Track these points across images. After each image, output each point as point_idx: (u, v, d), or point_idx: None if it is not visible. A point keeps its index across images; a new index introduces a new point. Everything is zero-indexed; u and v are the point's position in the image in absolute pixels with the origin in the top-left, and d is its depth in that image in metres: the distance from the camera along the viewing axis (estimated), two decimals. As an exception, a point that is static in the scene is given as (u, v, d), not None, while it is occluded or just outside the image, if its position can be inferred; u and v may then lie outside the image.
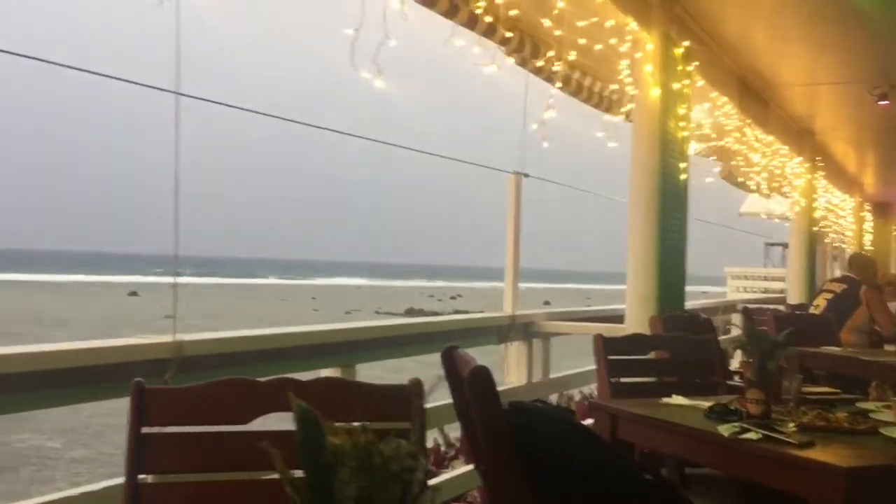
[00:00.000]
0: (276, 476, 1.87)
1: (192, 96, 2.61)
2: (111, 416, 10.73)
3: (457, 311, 33.09)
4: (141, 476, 1.58)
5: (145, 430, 1.59)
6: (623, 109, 5.38)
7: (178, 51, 2.49)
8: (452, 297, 46.63)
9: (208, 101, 2.80)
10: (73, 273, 63.71)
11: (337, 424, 0.74)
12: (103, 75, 2.58)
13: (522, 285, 4.79)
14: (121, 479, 1.91)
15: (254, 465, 1.69)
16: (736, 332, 7.08)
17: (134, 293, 39.88)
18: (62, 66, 2.77)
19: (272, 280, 72.92)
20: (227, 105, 3.29)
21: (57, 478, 8.45)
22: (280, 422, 1.75)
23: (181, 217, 2.72)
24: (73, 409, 10.89)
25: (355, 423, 0.79)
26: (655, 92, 4.45)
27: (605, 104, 5.67)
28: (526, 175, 4.81)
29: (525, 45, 4.45)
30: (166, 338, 2.45)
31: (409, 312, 33.93)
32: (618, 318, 5.07)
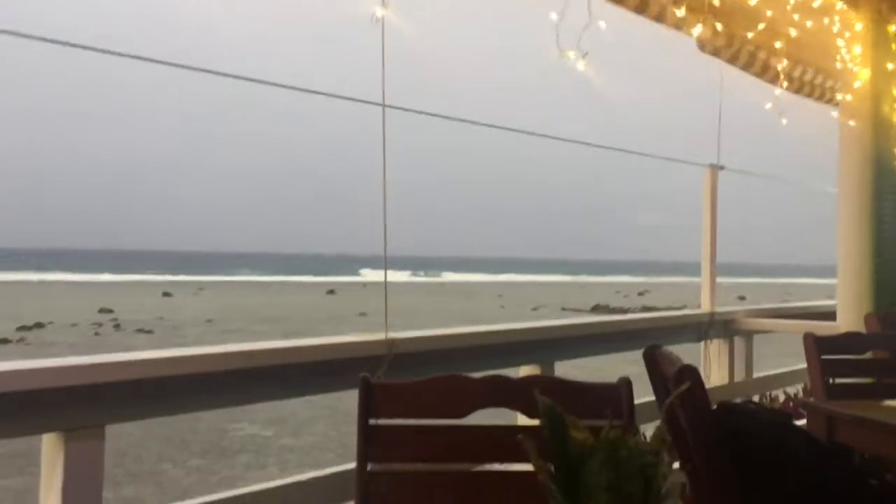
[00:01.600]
0: (489, 468, 1.95)
1: (397, 107, 2.76)
2: (313, 407, 11.42)
3: (644, 307, 32.27)
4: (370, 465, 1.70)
5: (372, 421, 1.71)
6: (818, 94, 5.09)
7: (384, 68, 2.65)
8: (640, 293, 45.55)
9: (410, 110, 2.95)
10: (276, 274, 68.35)
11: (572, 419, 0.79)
12: (318, 92, 2.79)
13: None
14: (348, 466, 2.07)
15: (470, 456, 1.78)
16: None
17: (331, 291, 42.09)
18: (277, 85, 2.99)
19: (461, 276, 74.38)
20: (425, 113, 3.44)
21: (269, 464, 8.97)
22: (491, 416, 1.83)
23: (378, 217, 2.87)
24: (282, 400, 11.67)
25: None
26: (866, 74, 4.18)
27: (807, 89, 5.38)
28: (721, 168, 4.66)
29: (719, 35, 4.32)
30: (379, 335, 2.61)
31: (596, 309, 33.44)
32: (825, 315, 4.80)
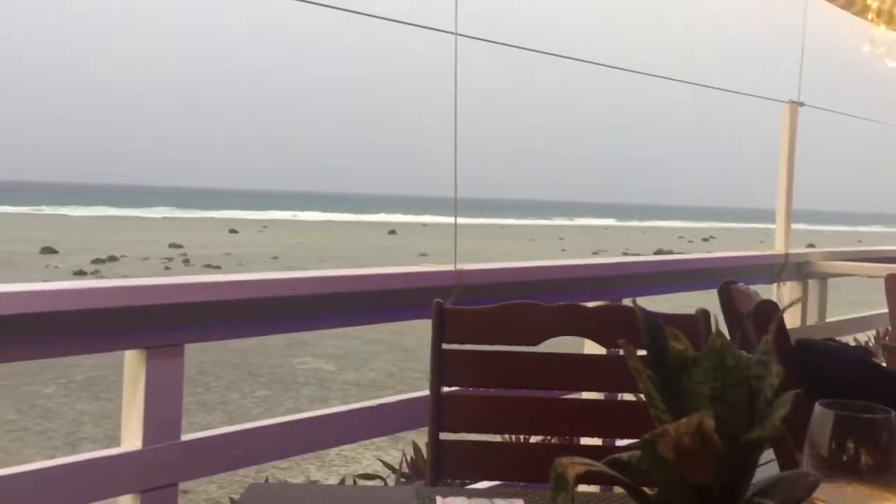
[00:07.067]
0: (561, 395, 1.95)
1: (469, 36, 2.70)
2: (374, 344, 11.61)
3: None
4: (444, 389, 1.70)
5: (445, 346, 1.71)
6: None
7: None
8: (704, 239, 44.74)
9: (482, 39, 2.89)
10: (339, 213, 69.18)
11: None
12: (389, 19, 2.75)
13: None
14: (422, 392, 2.09)
15: (543, 384, 1.77)
16: None
17: (393, 231, 42.42)
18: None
19: (522, 220, 74.02)
20: (497, 42, 3.37)
21: (332, 397, 9.18)
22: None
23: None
24: (344, 337, 11.90)
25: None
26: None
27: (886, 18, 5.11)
28: (801, 104, 4.48)
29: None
30: (448, 266, 2.61)
31: (658, 254, 32.99)
32: (906, 260, 4.65)
